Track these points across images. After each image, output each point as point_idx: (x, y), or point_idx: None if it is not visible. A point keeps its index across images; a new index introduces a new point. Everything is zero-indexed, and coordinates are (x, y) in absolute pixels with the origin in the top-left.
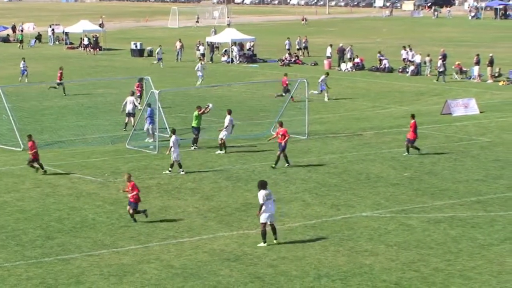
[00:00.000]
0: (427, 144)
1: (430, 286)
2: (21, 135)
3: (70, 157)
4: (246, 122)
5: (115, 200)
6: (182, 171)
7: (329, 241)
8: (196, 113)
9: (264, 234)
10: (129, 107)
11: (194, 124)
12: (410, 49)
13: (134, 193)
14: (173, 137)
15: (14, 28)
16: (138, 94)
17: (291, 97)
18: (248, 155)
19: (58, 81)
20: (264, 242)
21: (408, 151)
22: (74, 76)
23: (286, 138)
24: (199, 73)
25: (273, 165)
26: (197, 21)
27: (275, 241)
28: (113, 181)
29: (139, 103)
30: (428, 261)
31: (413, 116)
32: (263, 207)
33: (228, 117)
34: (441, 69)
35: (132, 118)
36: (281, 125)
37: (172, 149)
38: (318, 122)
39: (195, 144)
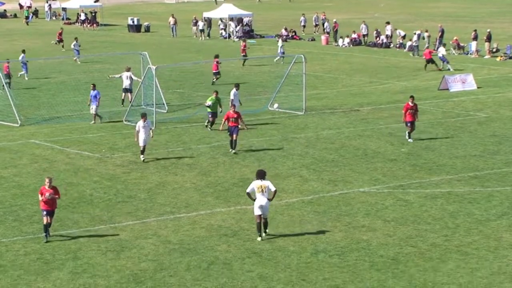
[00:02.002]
0: (424, 120)
1: (427, 262)
2: (18, 111)
3: (68, 133)
4: (243, 98)
5: (113, 176)
6: (142, 157)
7: (326, 216)
8: (213, 97)
9: (259, 227)
10: (126, 83)
11: (211, 109)
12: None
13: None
14: (140, 122)
15: (21, 6)
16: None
17: None
18: (245, 131)
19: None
20: (260, 236)
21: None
22: (71, 51)
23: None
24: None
25: (234, 151)
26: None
27: (263, 235)
28: (110, 156)
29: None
30: (425, 236)
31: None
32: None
33: (233, 91)
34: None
35: (129, 94)
36: (234, 108)
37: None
38: (315, 98)
39: (209, 126)
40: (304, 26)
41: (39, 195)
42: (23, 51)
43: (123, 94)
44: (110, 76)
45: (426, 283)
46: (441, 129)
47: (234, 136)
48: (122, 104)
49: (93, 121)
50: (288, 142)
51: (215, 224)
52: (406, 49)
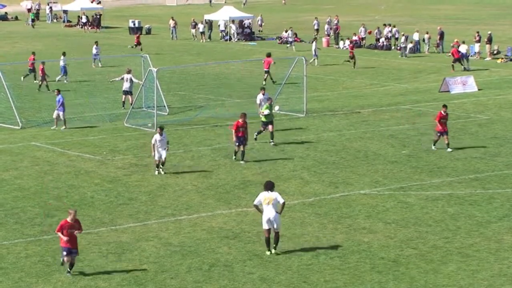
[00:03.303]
0: (425, 122)
1: (428, 264)
2: (19, 113)
3: (68, 135)
4: (244, 100)
5: (114, 178)
6: (161, 170)
7: (327, 218)
8: (267, 105)
9: (267, 242)
10: (126, 85)
11: (266, 118)
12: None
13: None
14: (157, 135)
15: (30, 9)
16: (42, 74)
17: None
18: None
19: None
20: (268, 251)
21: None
22: (73, 54)
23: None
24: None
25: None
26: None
27: (272, 251)
28: (111, 159)
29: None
30: (426, 238)
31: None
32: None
33: (259, 95)
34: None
35: (129, 96)
36: (243, 116)
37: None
38: (316, 100)
39: (257, 135)
40: (317, 30)
41: (59, 232)
42: (64, 54)
43: (124, 96)
44: (111, 80)
45: (427, 285)
46: None
47: (242, 147)
48: (123, 106)
49: (54, 127)
50: (289, 144)
51: (216, 226)
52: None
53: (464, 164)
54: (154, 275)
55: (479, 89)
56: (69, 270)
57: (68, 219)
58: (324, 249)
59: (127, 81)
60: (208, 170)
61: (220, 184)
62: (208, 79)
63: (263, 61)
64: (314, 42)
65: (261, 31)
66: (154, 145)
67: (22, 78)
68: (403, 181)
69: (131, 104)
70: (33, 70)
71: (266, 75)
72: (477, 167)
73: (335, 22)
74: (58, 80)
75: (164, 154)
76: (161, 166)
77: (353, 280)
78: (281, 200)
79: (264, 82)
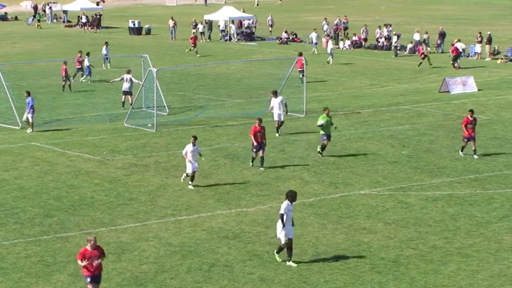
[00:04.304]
0: (425, 122)
1: (428, 264)
2: (19, 113)
3: (68, 135)
4: (244, 100)
5: (114, 179)
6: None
7: (327, 219)
8: (324, 115)
9: (282, 249)
10: (125, 86)
11: (324, 130)
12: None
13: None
14: (189, 145)
15: (36, 8)
16: (79, 66)
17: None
18: (246, 133)
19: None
20: (278, 254)
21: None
22: (73, 54)
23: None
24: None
25: (261, 167)
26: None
27: (289, 263)
28: (111, 159)
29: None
30: (426, 238)
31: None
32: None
33: (272, 99)
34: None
35: (129, 96)
36: (259, 121)
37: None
38: (316, 100)
39: (321, 152)
40: (334, 30)
41: (79, 260)
42: (88, 54)
43: (123, 96)
44: (111, 81)
45: (427, 286)
46: (442, 131)
47: (261, 152)
48: (123, 106)
49: (30, 130)
50: (289, 144)
51: (216, 226)
52: (406, 51)
53: (464, 164)
54: (154, 275)
55: (479, 90)
56: None
57: (88, 247)
58: (324, 249)
59: (127, 81)
60: (208, 171)
61: (220, 184)
62: (208, 80)
63: (295, 61)
64: (329, 41)
65: (271, 31)
66: (186, 156)
67: (72, 79)
68: (403, 181)
69: (131, 104)
70: (80, 68)
71: (301, 74)
72: (477, 167)
73: (344, 22)
74: (82, 81)
75: (195, 166)
76: (190, 182)
77: (353, 281)
78: (280, 211)
79: (301, 79)
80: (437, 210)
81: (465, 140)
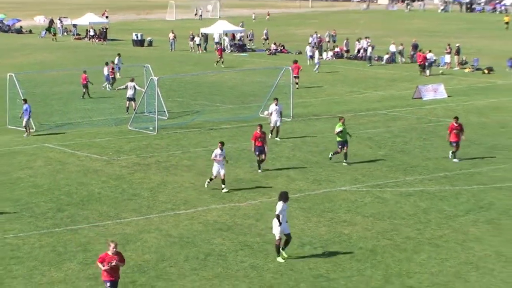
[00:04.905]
0: (399, 125)
1: (402, 253)
2: (33, 118)
3: (78, 138)
4: (237, 106)
5: (119, 176)
6: (223, 188)
7: (311, 212)
8: (340, 123)
9: (278, 249)
10: (129, 93)
11: (341, 137)
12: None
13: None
14: (217, 149)
15: (51, 22)
16: (112, 75)
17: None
18: (238, 135)
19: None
20: (278, 256)
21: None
22: (82, 64)
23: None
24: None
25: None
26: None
27: (284, 255)
28: (116, 159)
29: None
30: (400, 230)
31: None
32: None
33: (273, 105)
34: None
35: (133, 102)
36: (260, 127)
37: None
38: (302, 106)
39: (333, 155)
40: (315, 43)
41: (100, 263)
42: (107, 64)
43: (127, 102)
44: (117, 88)
45: (401, 272)
46: (415, 133)
47: (263, 156)
48: (127, 111)
49: (26, 133)
50: (277, 145)
51: (211, 219)
52: (383, 61)
53: (435, 163)
54: (155, 264)
55: (448, 96)
56: None
57: (109, 252)
58: (308, 240)
59: (130, 88)
60: (203, 169)
61: (214, 182)
62: (204, 87)
63: (291, 68)
64: (316, 52)
65: (266, 43)
66: (214, 159)
67: (108, 87)
68: (379, 178)
69: (134, 109)
70: (114, 78)
71: (296, 80)
72: (446, 166)
73: (333, 35)
74: (103, 88)
75: (222, 171)
76: (222, 185)
77: (335, 268)
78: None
79: (296, 86)
80: (410, 204)
81: (453, 144)
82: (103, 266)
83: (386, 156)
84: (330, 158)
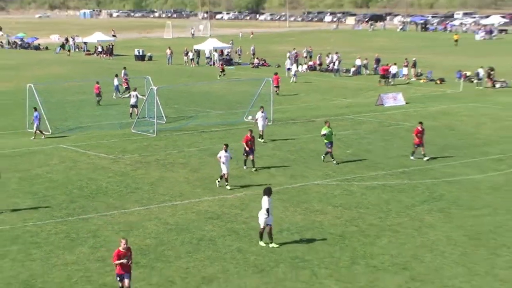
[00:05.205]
0: (364, 128)
1: (366, 238)
2: (49, 122)
3: (88, 139)
4: (225, 112)
5: (123, 172)
6: (227, 185)
7: (289, 203)
8: (326, 127)
9: (261, 235)
10: (132, 100)
11: (327, 139)
12: (337, 54)
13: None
14: (222, 151)
15: (67, 40)
16: (126, 85)
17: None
18: (226, 137)
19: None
20: (261, 240)
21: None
22: (92, 76)
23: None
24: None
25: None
26: (193, 34)
27: (271, 245)
28: (121, 157)
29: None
30: (365, 218)
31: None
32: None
33: (259, 112)
34: (337, 67)
35: (135, 109)
36: (250, 132)
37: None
38: (280, 111)
39: (325, 156)
40: (294, 57)
41: (115, 260)
42: (116, 75)
43: (131, 109)
44: (122, 96)
45: (366, 254)
46: (377, 135)
47: (251, 156)
48: (130, 116)
49: (33, 137)
50: (259, 146)
51: (203, 209)
52: (350, 73)
53: (395, 161)
54: (155, 247)
55: (406, 103)
56: None
57: (121, 248)
58: (286, 227)
59: (133, 97)
60: (196, 166)
61: (206, 177)
62: (196, 96)
63: (271, 79)
64: (294, 65)
65: (257, 58)
66: (219, 159)
67: (120, 95)
68: (348, 174)
69: (137, 115)
70: (128, 87)
71: (276, 89)
72: (405, 163)
73: (309, 51)
74: (120, 97)
75: (226, 169)
76: (225, 182)
77: (309, 251)
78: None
79: (277, 93)
80: (374, 196)
81: (416, 146)
82: (118, 261)
83: (353, 154)
84: (323, 159)
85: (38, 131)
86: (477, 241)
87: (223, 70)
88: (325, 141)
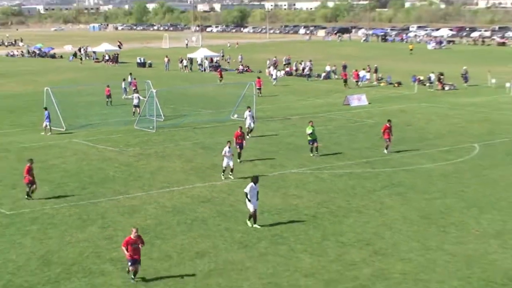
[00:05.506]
0: (334, 125)
1: (335, 218)
2: (64, 120)
3: (97, 134)
4: (214, 111)
5: (128, 163)
6: (230, 176)
7: (269, 188)
8: (310, 126)
9: (250, 217)
10: (135, 101)
11: (311, 136)
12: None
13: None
14: (226, 147)
15: (80, 49)
16: (135, 88)
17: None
18: (215, 133)
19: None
20: (249, 221)
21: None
22: (100, 81)
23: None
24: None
25: (238, 160)
26: (187, 44)
27: (255, 225)
28: (126, 150)
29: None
30: (334, 201)
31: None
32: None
33: (247, 112)
34: (308, 72)
35: (138, 108)
36: (240, 128)
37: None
38: (261, 110)
39: (314, 152)
40: (273, 64)
41: (124, 247)
42: (124, 80)
43: (134, 108)
44: (127, 97)
45: (335, 232)
46: (344, 130)
47: (240, 150)
48: (133, 115)
49: (43, 133)
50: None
51: (195, 194)
52: (321, 77)
53: (359, 152)
54: (154, 227)
55: (369, 103)
56: (133, 277)
57: (132, 236)
58: (267, 209)
59: (136, 98)
60: (190, 157)
61: (198, 167)
62: (190, 97)
63: (254, 83)
64: (275, 71)
65: (242, 64)
66: (224, 155)
67: (126, 96)
68: (319, 164)
69: (139, 113)
70: (136, 89)
71: (258, 91)
72: (368, 154)
73: (288, 59)
74: (123, 98)
75: (231, 163)
76: (230, 172)
77: (287, 229)
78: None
79: (260, 95)
80: (342, 182)
81: (386, 140)
82: (127, 251)
83: (324, 147)
84: (312, 155)
85: (47, 128)
86: (429, 220)
87: (221, 76)
88: (309, 138)
